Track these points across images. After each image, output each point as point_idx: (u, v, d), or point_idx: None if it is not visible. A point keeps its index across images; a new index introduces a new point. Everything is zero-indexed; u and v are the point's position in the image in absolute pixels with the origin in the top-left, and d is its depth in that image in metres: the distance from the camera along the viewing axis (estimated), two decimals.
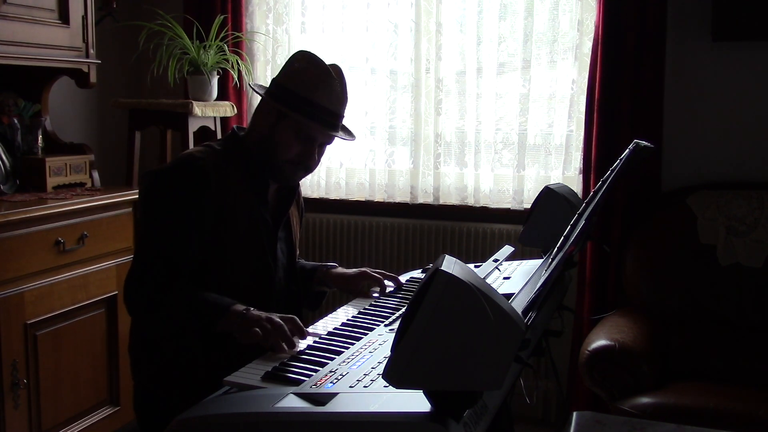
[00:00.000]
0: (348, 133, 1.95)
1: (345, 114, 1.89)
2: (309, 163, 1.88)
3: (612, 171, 1.74)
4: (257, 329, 1.59)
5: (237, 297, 1.74)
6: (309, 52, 1.88)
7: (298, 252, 2.09)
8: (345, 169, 3.58)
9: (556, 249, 1.58)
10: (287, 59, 1.90)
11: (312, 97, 1.80)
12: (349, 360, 1.46)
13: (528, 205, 3.15)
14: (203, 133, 3.42)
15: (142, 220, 1.84)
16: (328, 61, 1.87)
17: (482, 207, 3.36)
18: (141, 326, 1.87)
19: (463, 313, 1.07)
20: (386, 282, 2.08)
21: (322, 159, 1.96)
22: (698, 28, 3.04)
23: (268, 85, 1.94)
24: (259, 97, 1.90)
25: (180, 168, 1.81)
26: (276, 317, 1.63)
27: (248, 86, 3.53)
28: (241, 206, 1.83)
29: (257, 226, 1.86)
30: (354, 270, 2.11)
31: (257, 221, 1.86)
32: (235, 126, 1.97)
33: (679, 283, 2.90)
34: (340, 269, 2.13)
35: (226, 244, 1.80)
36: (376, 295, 2.03)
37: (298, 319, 1.65)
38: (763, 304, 2.80)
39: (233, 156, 1.87)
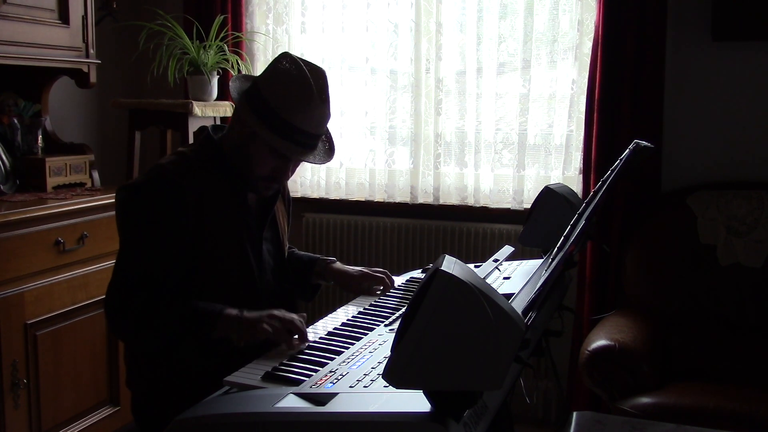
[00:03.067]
0: (328, 150, 1.88)
1: (325, 131, 1.84)
2: (282, 179, 1.85)
3: (612, 171, 1.74)
4: (265, 326, 1.60)
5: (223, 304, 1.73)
6: (294, 59, 1.79)
7: (287, 245, 2.07)
8: (345, 169, 3.58)
9: (556, 249, 1.58)
10: (272, 63, 1.82)
11: (293, 119, 1.72)
12: (349, 360, 1.46)
13: (528, 205, 3.15)
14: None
15: (120, 238, 1.79)
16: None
17: (482, 207, 3.36)
18: (133, 344, 1.85)
19: (463, 313, 1.07)
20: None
21: None
22: (698, 28, 3.04)
23: (247, 82, 1.85)
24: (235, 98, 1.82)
25: (152, 183, 1.76)
26: (276, 312, 1.63)
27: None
28: (219, 215, 1.79)
29: (238, 233, 1.83)
30: (355, 269, 2.11)
31: (238, 228, 1.83)
32: (209, 127, 1.90)
33: (679, 283, 2.90)
34: (340, 264, 2.13)
35: (207, 254, 1.77)
36: (379, 292, 2.04)
37: (301, 320, 1.65)
38: (763, 304, 2.80)
39: (208, 162, 1.82)
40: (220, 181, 1.82)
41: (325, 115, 1.79)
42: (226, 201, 1.82)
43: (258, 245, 1.89)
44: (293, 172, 1.87)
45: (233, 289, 1.81)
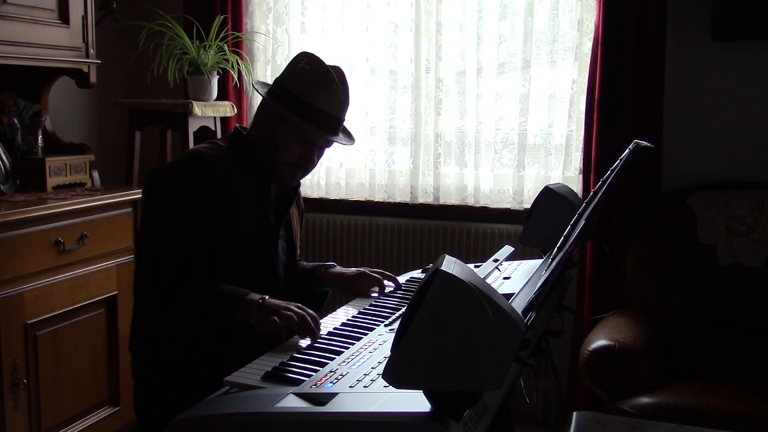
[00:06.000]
0: (348, 136, 1.97)
1: (346, 118, 1.91)
2: (308, 166, 1.91)
3: (612, 171, 1.74)
4: (275, 318, 1.62)
5: None
6: (313, 55, 1.89)
7: (298, 252, 2.09)
8: (345, 169, 3.58)
9: (556, 249, 1.58)
10: (291, 60, 1.91)
11: (314, 101, 1.81)
12: (349, 360, 1.46)
13: (528, 205, 3.15)
14: (203, 133, 3.42)
15: (148, 217, 1.84)
16: (330, 62, 1.89)
17: (482, 207, 3.36)
18: (151, 320, 1.86)
19: (463, 313, 1.07)
20: (385, 282, 2.08)
21: (322, 159, 1.97)
22: (698, 28, 3.04)
23: (270, 84, 1.95)
24: (261, 96, 1.91)
25: (187, 163, 1.82)
26: (293, 306, 1.66)
27: (250, 85, 3.54)
28: (245, 203, 1.85)
29: (261, 224, 1.88)
30: (352, 270, 2.11)
31: (261, 219, 1.88)
32: (237, 125, 1.99)
33: (679, 283, 2.90)
34: (339, 268, 2.14)
35: (231, 240, 1.81)
36: (375, 295, 2.04)
37: (314, 314, 1.67)
38: (763, 304, 2.80)
39: (237, 154, 1.89)
40: (247, 172, 1.88)
41: (346, 99, 1.87)
42: (252, 192, 1.87)
43: (275, 239, 1.93)
44: (318, 159, 1.92)
45: (252, 277, 1.85)
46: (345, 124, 1.94)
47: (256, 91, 1.95)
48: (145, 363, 1.89)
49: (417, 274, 2.27)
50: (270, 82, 2.02)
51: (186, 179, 1.79)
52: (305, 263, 2.19)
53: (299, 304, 1.69)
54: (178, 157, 1.89)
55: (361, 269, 2.11)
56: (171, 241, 1.76)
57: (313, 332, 1.62)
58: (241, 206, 1.83)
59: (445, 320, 1.07)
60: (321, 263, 2.17)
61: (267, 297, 1.70)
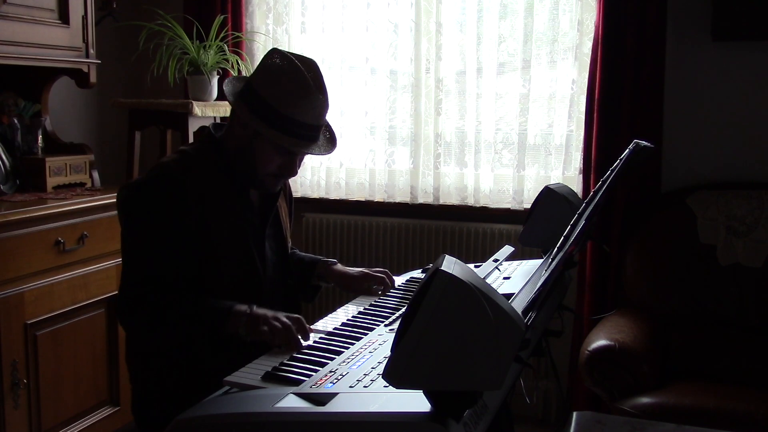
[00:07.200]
0: (329, 139, 1.90)
1: (325, 120, 1.85)
2: (289, 174, 1.86)
3: (612, 171, 1.74)
4: (265, 327, 1.60)
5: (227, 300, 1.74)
6: (285, 54, 1.80)
7: (290, 243, 2.08)
8: (345, 169, 3.58)
9: (556, 249, 1.58)
10: (262, 59, 1.82)
11: (293, 113, 1.74)
12: (349, 360, 1.46)
13: (528, 205, 3.15)
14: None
15: (125, 237, 1.81)
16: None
17: (482, 207, 3.36)
18: (142, 340, 1.85)
19: (463, 313, 1.07)
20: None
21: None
22: (698, 28, 3.04)
23: (240, 80, 1.86)
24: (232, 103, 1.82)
25: (155, 182, 1.77)
26: (282, 316, 1.63)
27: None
28: (222, 212, 1.80)
29: (242, 230, 1.84)
30: (355, 270, 2.11)
31: (241, 225, 1.84)
32: (210, 126, 1.91)
33: (679, 283, 2.90)
34: (341, 266, 2.13)
35: (212, 252, 1.78)
36: (380, 292, 2.04)
37: (303, 319, 1.65)
38: (763, 304, 2.80)
39: (210, 160, 1.83)
40: (223, 179, 1.83)
41: (325, 105, 1.80)
42: (229, 199, 1.83)
43: (260, 242, 1.90)
44: (299, 165, 1.88)
45: (237, 286, 1.82)
46: (331, 121, 1.90)
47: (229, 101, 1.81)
48: (143, 373, 1.88)
49: (417, 274, 2.27)
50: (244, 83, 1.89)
51: (155, 200, 1.75)
52: (302, 254, 2.18)
53: (288, 314, 1.66)
54: (147, 174, 1.81)
55: (363, 270, 2.10)
56: (148, 263, 1.73)
57: (295, 346, 1.58)
58: (219, 215, 1.79)
59: (445, 320, 1.07)
60: (323, 258, 2.15)
61: (254, 307, 1.67)
